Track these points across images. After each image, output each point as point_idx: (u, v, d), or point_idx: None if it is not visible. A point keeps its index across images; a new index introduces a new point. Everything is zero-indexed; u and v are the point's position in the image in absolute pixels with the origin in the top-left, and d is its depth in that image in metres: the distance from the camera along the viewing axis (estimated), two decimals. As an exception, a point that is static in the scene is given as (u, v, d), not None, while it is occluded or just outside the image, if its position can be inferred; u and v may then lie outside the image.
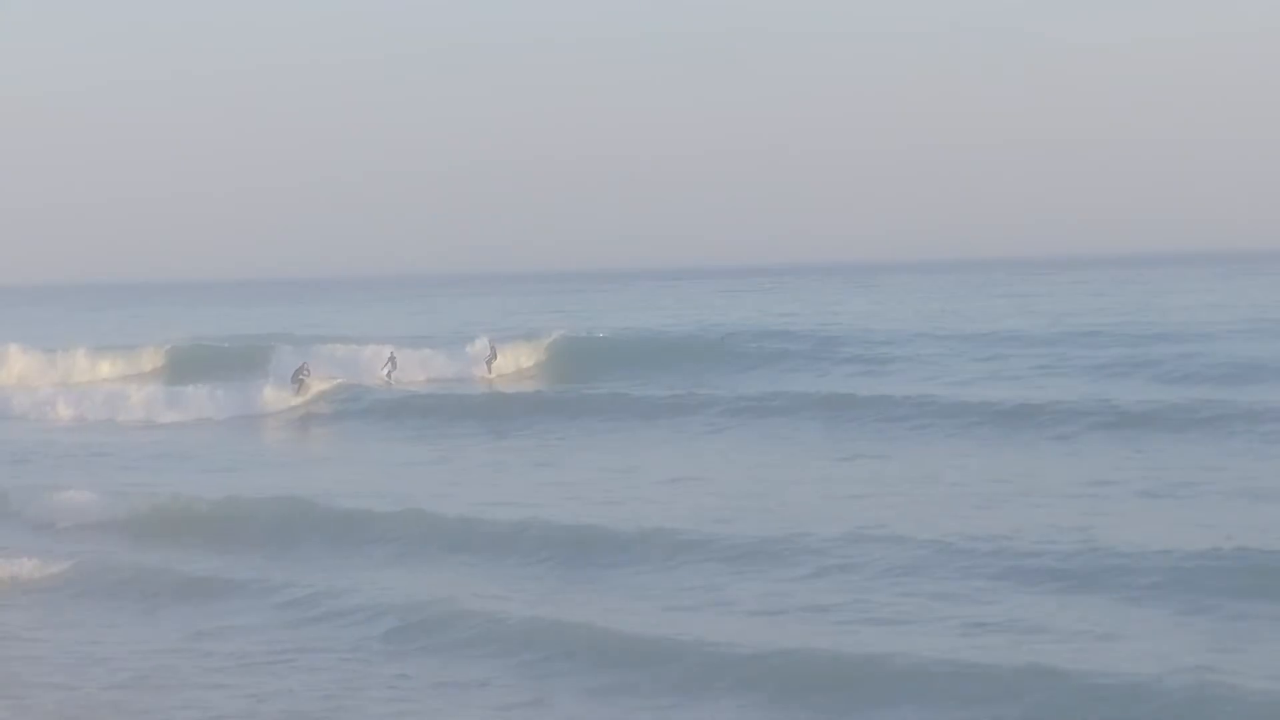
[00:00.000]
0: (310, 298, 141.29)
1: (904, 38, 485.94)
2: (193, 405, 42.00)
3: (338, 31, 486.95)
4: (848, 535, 19.92)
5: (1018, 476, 25.20)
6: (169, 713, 14.34)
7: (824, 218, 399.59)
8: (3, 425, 41.40)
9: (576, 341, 51.35)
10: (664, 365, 45.82)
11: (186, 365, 51.66)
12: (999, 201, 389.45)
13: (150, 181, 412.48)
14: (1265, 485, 23.06)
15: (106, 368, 53.31)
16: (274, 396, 41.68)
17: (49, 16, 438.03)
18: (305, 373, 41.94)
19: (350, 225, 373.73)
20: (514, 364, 48.00)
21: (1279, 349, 42.29)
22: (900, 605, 16.85)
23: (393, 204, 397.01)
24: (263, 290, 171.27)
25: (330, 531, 22.36)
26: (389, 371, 45.65)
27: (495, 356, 47.05)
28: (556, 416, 36.31)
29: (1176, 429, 28.87)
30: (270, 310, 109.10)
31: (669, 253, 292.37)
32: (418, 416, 37.76)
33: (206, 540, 22.31)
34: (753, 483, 25.95)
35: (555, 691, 14.60)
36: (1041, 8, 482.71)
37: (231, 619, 17.84)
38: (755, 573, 18.69)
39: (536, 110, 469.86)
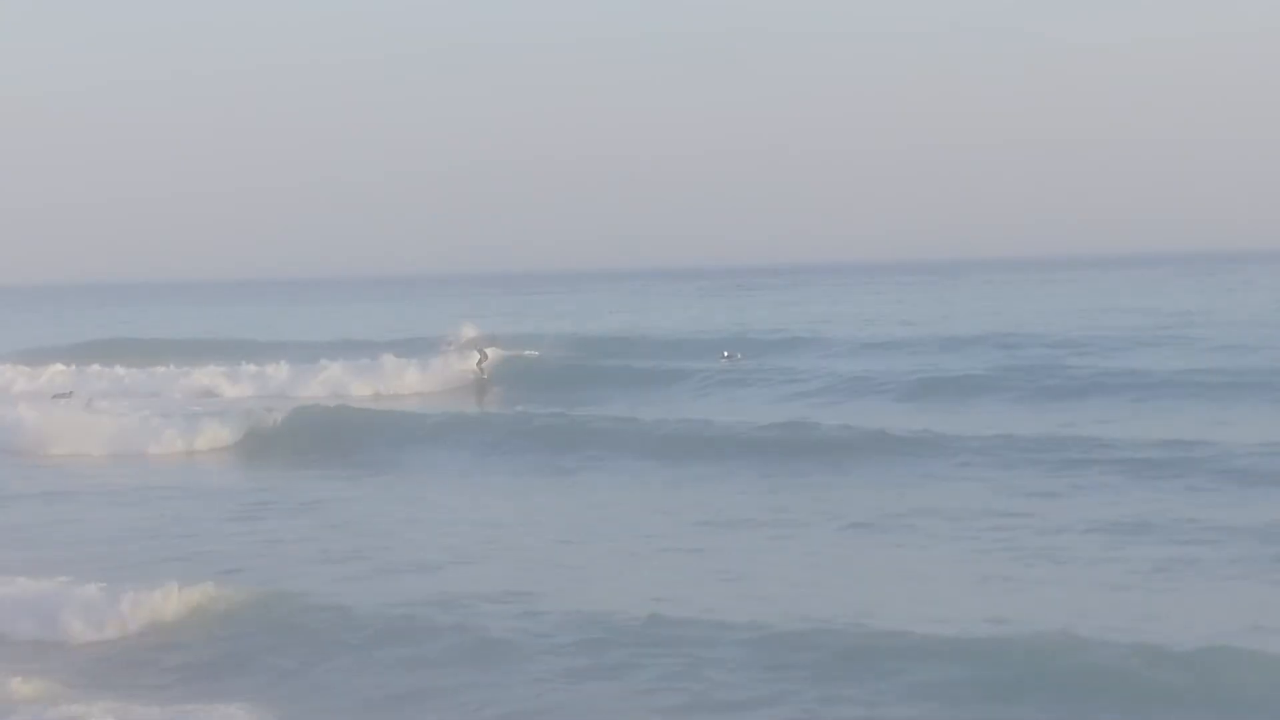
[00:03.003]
0: (309, 297, 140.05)
1: (904, 38, 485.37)
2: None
3: (338, 31, 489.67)
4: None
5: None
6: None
7: (824, 218, 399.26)
8: None
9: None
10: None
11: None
12: (999, 201, 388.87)
13: (150, 181, 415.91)
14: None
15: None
16: None
17: (49, 16, 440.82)
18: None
19: (350, 225, 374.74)
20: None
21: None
22: None
23: (393, 204, 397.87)
24: (261, 290, 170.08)
25: None
26: (480, 362, 45.44)
27: (485, 357, 45.70)
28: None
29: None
30: (257, 311, 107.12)
31: (669, 253, 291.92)
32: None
33: None
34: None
35: None
36: (1041, 8, 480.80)
37: None
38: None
39: (536, 110, 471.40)
